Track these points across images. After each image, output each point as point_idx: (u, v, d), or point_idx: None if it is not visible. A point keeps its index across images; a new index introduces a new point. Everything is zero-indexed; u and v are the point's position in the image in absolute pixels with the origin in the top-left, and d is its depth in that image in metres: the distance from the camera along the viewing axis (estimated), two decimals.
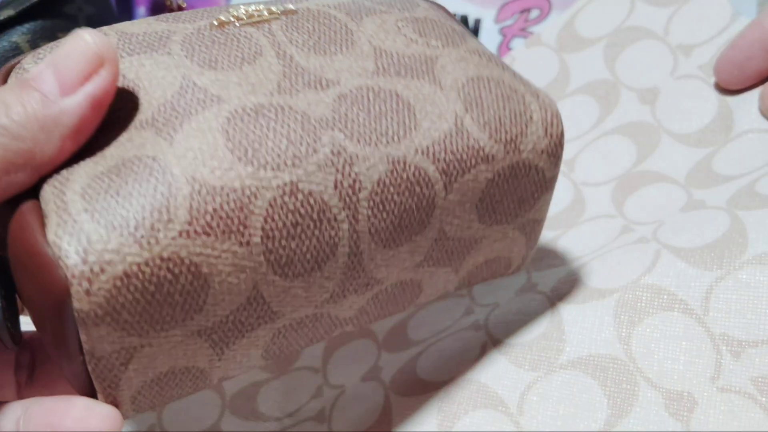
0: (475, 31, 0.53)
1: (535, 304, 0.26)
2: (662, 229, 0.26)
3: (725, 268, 0.23)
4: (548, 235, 0.30)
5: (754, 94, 0.29)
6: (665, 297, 0.24)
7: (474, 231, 0.21)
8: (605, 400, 0.23)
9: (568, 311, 0.25)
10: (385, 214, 0.19)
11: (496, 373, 0.25)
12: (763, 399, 0.21)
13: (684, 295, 0.23)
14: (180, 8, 0.50)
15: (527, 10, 0.53)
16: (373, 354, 0.30)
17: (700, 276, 0.23)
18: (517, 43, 0.53)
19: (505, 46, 0.54)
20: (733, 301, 0.23)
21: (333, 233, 0.18)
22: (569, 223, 0.30)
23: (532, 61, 0.36)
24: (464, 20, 0.53)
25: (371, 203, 0.19)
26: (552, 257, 0.29)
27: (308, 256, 0.18)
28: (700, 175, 0.28)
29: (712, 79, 0.30)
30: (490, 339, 0.26)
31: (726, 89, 0.30)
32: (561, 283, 0.26)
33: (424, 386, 0.26)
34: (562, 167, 0.32)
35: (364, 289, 0.20)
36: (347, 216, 0.18)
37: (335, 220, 0.18)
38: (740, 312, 0.22)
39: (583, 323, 0.24)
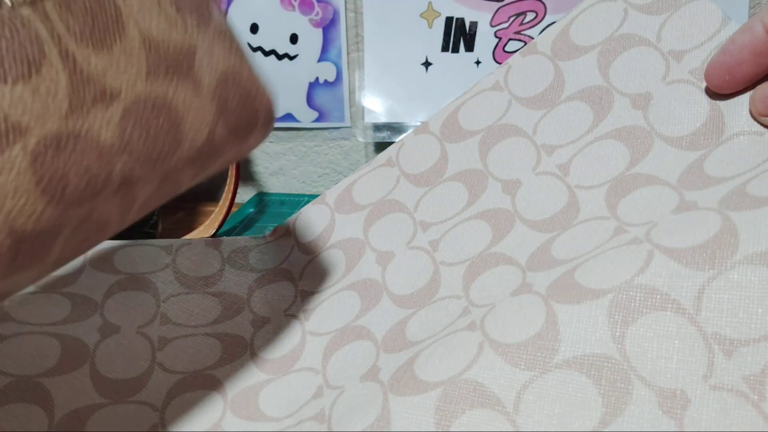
0: (472, 34, 0.54)
1: (531, 305, 0.26)
2: (655, 230, 0.26)
3: (717, 268, 0.24)
4: (543, 237, 0.31)
5: (744, 98, 0.30)
6: (658, 297, 0.24)
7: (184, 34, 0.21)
8: (600, 399, 0.23)
9: (563, 311, 0.25)
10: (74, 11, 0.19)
11: (492, 372, 0.25)
12: (755, 397, 0.22)
13: (676, 295, 0.24)
14: None
15: (523, 14, 0.53)
16: (372, 355, 0.30)
17: (693, 276, 0.24)
18: (513, 47, 0.54)
19: (500, 49, 0.54)
20: (725, 301, 0.23)
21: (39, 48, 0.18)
22: (564, 225, 0.31)
23: (527, 69, 0.36)
24: (461, 23, 0.53)
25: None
26: (547, 259, 0.29)
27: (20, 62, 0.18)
28: (692, 178, 0.29)
29: (704, 84, 0.31)
30: (486, 339, 0.26)
31: (717, 93, 0.30)
32: (556, 284, 0.27)
33: (421, 386, 0.26)
34: (557, 171, 0.32)
35: (103, 103, 0.20)
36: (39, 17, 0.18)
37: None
38: (732, 311, 0.23)
39: (577, 323, 0.25)
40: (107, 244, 0.37)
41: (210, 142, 0.23)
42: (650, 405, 0.23)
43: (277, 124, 0.59)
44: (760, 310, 0.22)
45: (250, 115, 0.25)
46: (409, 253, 0.34)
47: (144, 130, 0.21)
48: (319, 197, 0.40)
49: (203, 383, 0.32)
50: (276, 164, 0.62)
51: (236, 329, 0.35)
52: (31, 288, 0.33)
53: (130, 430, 0.29)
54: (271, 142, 0.61)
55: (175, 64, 0.22)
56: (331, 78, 0.57)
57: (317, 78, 0.57)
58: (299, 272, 0.37)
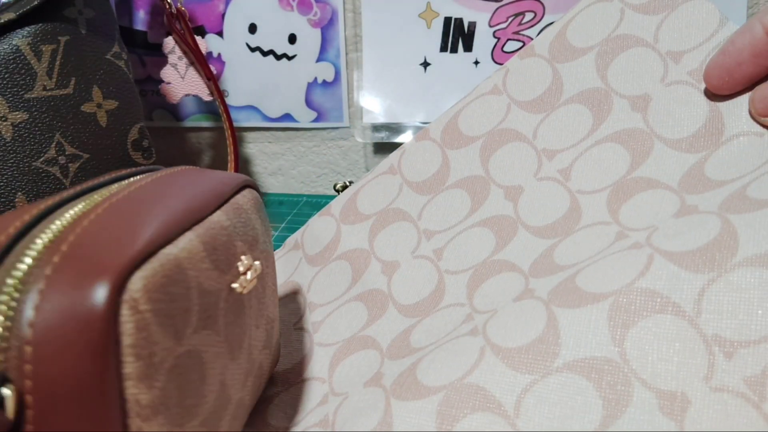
0: (470, 35, 0.54)
1: (532, 309, 0.26)
2: (656, 234, 0.26)
3: (717, 271, 0.24)
4: (546, 243, 0.31)
5: (743, 99, 0.30)
6: (658, 300, 0.24)
7: None
8: (600, 402, 0.23)
9: (564, 315, 0.25)
10: None
11: (493, 376, 0.25)
12: (756, 398, 0.22)
13: (676, 298, 0.24)
14: (179, 11, 0.51)
15: (521, 14, 0.53)
16: (376, 362, 0.30)
17: (692, 279, 0.24)
18: (511, 47, 0.54)
19: (499, 49, 0.54)
20: (725, 303, 0.23)
21: None
22: (566, 231, 0.31)
23: (525, 72, 0.36)
24: (459, 23, 0.53)
25: None
26: (549, 265, 0.29)
27: None
28: (693, 180, 0.29)
29: (702, 85, 0.31)
30: (488, 343, 0.26)
31: (716, 94, 0.30)
32: (557, 289, 0.27)
33: (423, 390, 0.26)
34: (558, 176, 0.32)
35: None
36: None
37: None
38: (732, 313, 0.23)
39: (578, 327, 0.25)
40: None
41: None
42: (651, 407, 0.23)
43: (275, 125, 0.59)
44: (759, 312, 0.22)
45: None
46: (413, 262, 0.34)
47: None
48: (324, 208, 0.40)
49: None
50: (275, 164, 0.62)
51: None
52: None
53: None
54: (269, 142, 0.61)
55: None
56: (330, 78, 0.57)
57: (316, 78, 0.57)
58: (307, 285, 0.37)
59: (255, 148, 0.62)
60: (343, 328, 0.34)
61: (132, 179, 0.24)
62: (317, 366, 0.32)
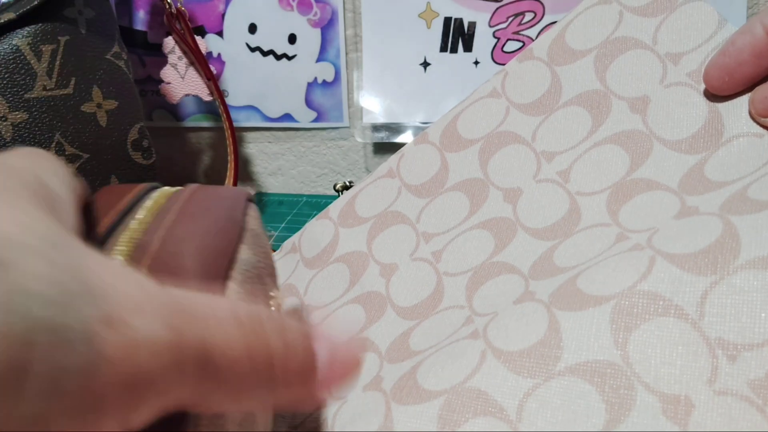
0: (470, 35, 0.54)
1: (533, 312, 0.26)
2: (657, 236, 0.26)
3: (719, 273, 0.24)
4: (546, 245, 0.31)
5: (743, 100, 0.30)
6: (661, 303, 0.24)
7: None
8: (603, 406, 0.23)
9: (565, 318, 0.25)
10: None
11: (495, 380, 0.25)
12: (760, 401, 0.21)
13: (679, 301, 0.24)
14: (179, 11, 0.51)
15: (521, 14, 0.53)
16: (375, 366, 0.30)
17: (695, 281, 0.24)
18: (511, 47, 0.54)
19: (499, 49, 0.54)
20: (728, 306, 0.23)
21: None
22: (566, 233, 0.31)
23: (524, 75, 0.36)
24: (459, 23, 0.53)
25: None
26: (549, 267, 0.29)
27: None
28: (693, 182, 0.29)
29: (702, 86, 0.31)
30: (489, 347, 0.26)
31: (715, 95, 0.30)
32: (558, 292, 0.27)
33: (424, 394, 0.26)
34: (557, 178, 0.32)
35: None
36: None
37: None
38: (735, 316, 0.23)
39: (580, 330, 0.25)
40: None
41: None
42: (654, 411, 0.22)
43: (275, 125, 0.59)
44: (763, 315, 0.22)
45: None
46: (412, 264, 0.34)
47: None
48: (322, 212, 0.40)
49: None
50: (274, 164, 0.62)
51: None
52: None
53: None
54: (269, 142, 0.61)
55: None
56: (330, 78, 0.57)
57: (315, 78, 0.57)
58: (304, 287, 0.37)
59: (255, 148, 0.62)
60: (341, 331, 0.34)
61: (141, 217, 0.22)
62: None
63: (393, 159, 0.38)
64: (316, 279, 0.37)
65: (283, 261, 0.40)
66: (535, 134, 0.34)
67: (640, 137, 0.31)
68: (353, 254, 0.37)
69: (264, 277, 0.23)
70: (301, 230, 0.41)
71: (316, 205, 0.59)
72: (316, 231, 0.39)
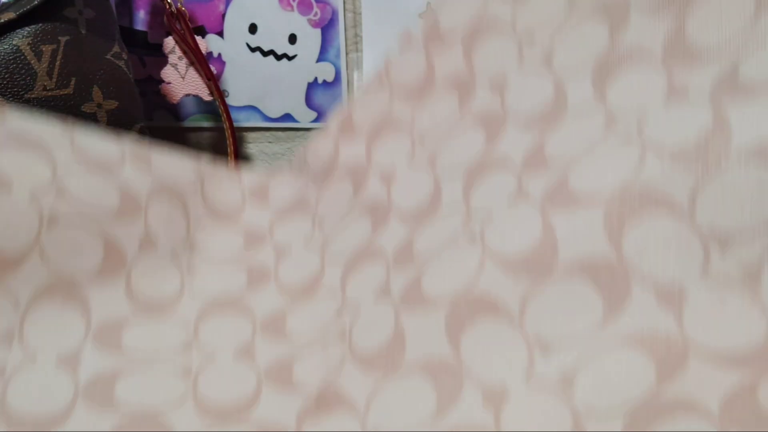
0: None
1: (527, 213, 0.27)
2: (646, 127, 0.26)
3: (710, 168, 0.23)
4: (536, 136, 0.30)
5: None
6: (653, 198, 0.24)
7: None
8: (600, 301, 0.24)
9: (558, 220, 0.26)
10: None
11: (494, 282, 0.26)
12: (750, 290, 0.22)
13: (671, 196, 0.24)
14: (179, 11, 0.51)
15: None
16: (383, 274, 0.31)
17: (685, 176, 0.24)
18: None
19: None
20: (719, 201, 0.23)
21: None
22: (555, 119, 0.29)
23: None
24: None
25: None
26: (539, 162, 0.28)
27: None
28: (677, 52, 0.27)
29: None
30: (486, 252, 0.27)
31: None
32: (550, 193, 0.26)
33: (429, 302, 0.27)
34: (541, 58, 0.31)
35: None
36: None
37: None
38: (725, 211, 0.23)
39: (574, 230, 0.25)
40: None
41: None
42: (649, 304, 0.23)
43: (275, 125, 0.59)
44: (751, 209, 0.23)
45: None
46: (409, 168, 0.34)
47: None
48: (323, 126, 0.40)
49: (233, 308, 0.34)
50: (275, 164, 0.62)
51: (261, 260, 0.36)
52: None
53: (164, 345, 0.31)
54: (269, 142, 0.61)
55: None
56: (330, 78, 0.57)
57: (316, 78, 0.57)
58: (314, 200, 0.38)
59: (255, 148, 0.62)
60: (350, 242, 0.34)
61: None
62: (329, 280, 0.33)
63: (381, 67, 0.38)
64: (322, 192, 0.38)
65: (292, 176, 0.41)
66: (515, 18, 0.33)
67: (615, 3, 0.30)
68: (354, 164, 0.37)
69: None
70: (305, 145, 0.41)
71: None
72: (318, 145, 0.40)
